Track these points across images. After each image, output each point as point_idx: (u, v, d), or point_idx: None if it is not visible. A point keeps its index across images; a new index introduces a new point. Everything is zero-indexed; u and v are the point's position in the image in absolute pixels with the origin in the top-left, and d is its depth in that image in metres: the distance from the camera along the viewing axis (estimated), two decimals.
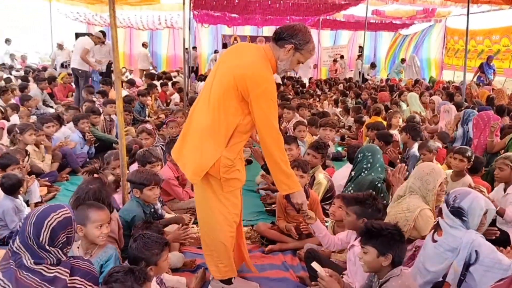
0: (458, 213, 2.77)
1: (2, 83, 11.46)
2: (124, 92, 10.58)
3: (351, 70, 21.94)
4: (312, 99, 12.76)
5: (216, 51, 20.03)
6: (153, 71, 17.21)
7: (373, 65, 20.01)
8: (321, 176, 5.03)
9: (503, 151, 6.16)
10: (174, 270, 3.69)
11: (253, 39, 19.67)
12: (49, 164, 6.01)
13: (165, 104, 12.04)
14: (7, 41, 18.50)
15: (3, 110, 7.39)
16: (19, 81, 12.01)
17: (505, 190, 4.40)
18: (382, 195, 4.23)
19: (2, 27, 16.99)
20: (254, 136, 6.61)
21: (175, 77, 16.24)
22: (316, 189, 4.88)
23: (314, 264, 2.86)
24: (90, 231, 2.91)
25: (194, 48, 20.17)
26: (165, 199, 4.97)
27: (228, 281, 3.41)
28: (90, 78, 11.47)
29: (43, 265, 2.25)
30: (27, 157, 5.59)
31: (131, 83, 13.11)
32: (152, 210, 4.01)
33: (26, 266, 2.22)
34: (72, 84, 12.25)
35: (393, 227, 2.61)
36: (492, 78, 14.69)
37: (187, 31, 11.55)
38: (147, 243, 2.79)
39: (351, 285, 3.01)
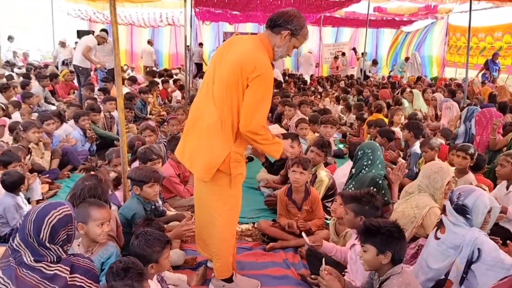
0: (462, 210, 2.76)
1: (4, 80, 11.46)
2: (126, 90, 10.57)
3: (353, 67, 21.90)
4: (313, 96, 12.74)
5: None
6: (154, 69, 17.24)
7: (374, 62, 19.96)
8: (323, 173, 5.02)
9: (505, 148, 6.14)
10: (175, 268, 3.68)
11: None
12: (48, 161, 6.00)
13: (166, 102, 12.04)
14: (10, 38, 18.49)
15: (4, 107, 7.38)
16: (21, 79, 11.99)
17: (507, 187, 4.38)
18: (383, 192, 4.22)
19: (4, 25, 16.93)
20: None
21: (176, 74, 16.24)
22: (318, 186, 4.87)
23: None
24: (91, 229, 2.91)
25: (200, 44, 20.20)
26: (166, 196, 4.96)
27: (229, 279, 3.40)
28: (91, 76, 11.52)
29: (43, 262, 2.24)
30: (28, 155, 5.59)
31: (132, 80, 13.10)
32: (153, 207, 4.01)
33: (26, 264, 2.22)
34: (74, 81, 12.27)
35: (391, 224, 2.59)
36: (497, 76, 14.62)
37: (188, 28, 11.53)
38: (148, 240, 2.79)
39: (352, 283, 3.00)
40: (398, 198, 4.15)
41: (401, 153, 6.35)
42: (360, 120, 8.60)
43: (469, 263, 2.67)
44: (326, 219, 4.66)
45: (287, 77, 17.30)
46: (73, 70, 11.53)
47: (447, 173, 3.49)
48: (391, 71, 21.96)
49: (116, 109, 4.65)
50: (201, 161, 3.08)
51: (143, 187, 3.77)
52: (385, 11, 18.73)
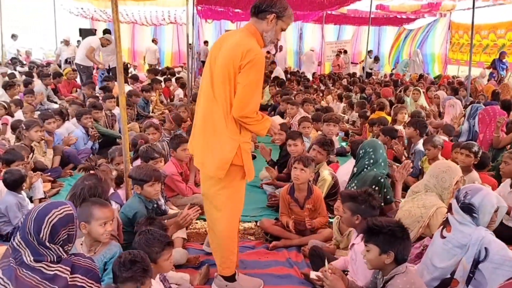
0: (468, 209, 2.73)
1: (6, 78, 11.46)
2: (128, 88, 10.56)
3: (355, 65, 21.85)
4: (315, 94, 12.70)
5: None
6: (156, 67, 17.27)
7: (376, 59, 19.85)
8: (325, 172, 4.99)
9: (509, 146, 6.10)
10: (178, 267, 3.65)
11: (279, 40, 19.53)
12: (50, 159, 5.98)
13: (168, 100, 12.02)
14: (13, 36, 18.49)
15: (6, 106, 7.37)
16: (23, 77, 11.99)
17: (511, 186, 4.35)
18: (385, 190, 4.19)
19: (7, 24, 16.90)
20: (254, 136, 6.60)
21: (179, 72, 16.22)
22: (321, 185, 4.84)
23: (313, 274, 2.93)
24: (94, 229, 2.88)
25: (206, 42, 20.22)
26: (168, 194, 4.93)
27: (232, 278, 3.39)
28: (93, 74, 11.55)
29: (43, 262, 2.22)
30: (31, 153, 5.58)
31: (134, 78, 13.10)
32: (155, 206, 3.98)
33: (26, 264, 2.20)
34: (77, 79, 12.27)
35: (395, 224, 2.56)
36: (504, 75, 14.51)
37: (190, 26, 11.51)
38: (148, 239, 2.77)
39: (355, 283, 2.97)
40: (402, 197, 4.13)
41: (404, 151, 6.32)
42: (363, 118, 8.58)
43: (476, 262, 2.64)
44: (330, 217, 4.64)
45: (289, 75, 17.25)
46: (76, 68, 11.57)
47: (455, 172, 3.46)
48: (393, 68, 21.92)
49: (118, 106, 4.63)
50: (213, 159, 3.11)
51: (143, 186, 3.75)
52: (387, 8, 18.67)
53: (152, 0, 16.22)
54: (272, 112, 10.40)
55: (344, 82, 14.96)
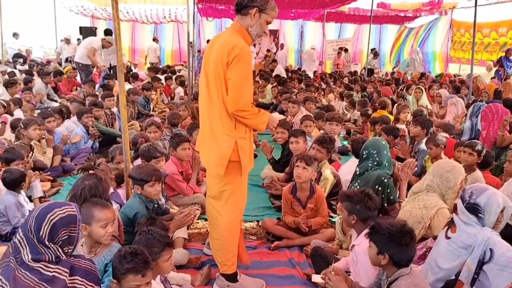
0: (473, 209, 2.69)
1: (6, 77, 11.43)
2: (128, 86, 10.53)
3: (356, 64, 21.80)
4: (316, 92, 12.66)
5: None
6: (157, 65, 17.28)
7: (375, 54, 19.61)
8: (327, 171, 4.96)
9: None
10: (179, 267, 3.62)
11: (266, 34, 19.52)
12: (50, 158, 5.93)
13: (169, 98, 11.99)
14: (15, 35, 18.47)
15: (5, 104, 7.34)
16: (23, 75, 11.96)
17: None
18: (389, 190, 4.14)
19: (7, 24, 16.87)
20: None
21: (179, 71, 16.19)
22: (323, 184, 4.81)
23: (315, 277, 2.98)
24: (95, 230, 2.83)
25: (209, 41, 20.17)
26: (169, 194, 4.90)
27: (234, 278, 3.37)
28: (94, 73, 11.56)
29: (42, 262, 2.19)
30: (31, 152, 5.54)
31: (134, 77, 13.07)
32: (156, 205, 3.94)
33: (25, 264, 2.16)
34: (77, 78, 12.25)
35: (398, 228, 2.49)
36: (511, 72, 14.36)
37: (191, 24, 11.47)
38: (148, 239, 2.75)
39: (359, 284, 2.94)
40: (407, 197, 4.08)
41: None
42: (365, 116, 8.53)
43: (481, 263, 2.60)
44: (331, 217, 4.60)
45: (290, 74, 17.21)
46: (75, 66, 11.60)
47: (459, 172, 3.41)
48: (394, 67, 21.88)
49: (117, 105, 4.59)
50: (213, 157, 3.23)
51: (144, 186, 3.71)
52: (389, 7, 18.62)
53: None
54: (274, 111, 10.36)
55: (345, 80, 14.91)
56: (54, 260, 2.22)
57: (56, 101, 10.48)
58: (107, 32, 12.06)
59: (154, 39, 19.83)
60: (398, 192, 4.42)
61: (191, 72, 11.09)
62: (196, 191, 5.00)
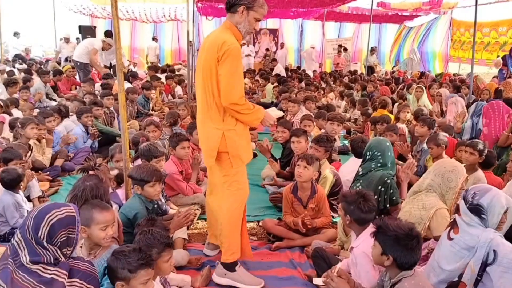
0: (476, 210, 2.66)
1: (5, 76, 11.39)
2: (127, 85, 10.50)
3: (355, 63, 21.77)
4: (316, 92, 12.62)
5: None
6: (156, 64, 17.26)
7: (372, 50, 19.36)
8: (326, 170, 4.92)
9: None
10: (179, 268, 3.59)
11: (256, 31, 19.52)
12: (49, 158, 5.90)
13: (170, 97, 11.95)
14: (16, 34, 18.42)
15: (2, 104, 7.29)
16: (22, 74, 11.92)
17: None
18: (391, 191, 4.11)
19: (6, 22, 16.87)
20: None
21: (178, 70, 16.15)
22: (322, 183, 4.77)
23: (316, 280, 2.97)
24: (94, 233, 2.78)
25: None
26: (169, 194, 4.86)
27: (232, 268, 3.47)
28: (92, 72, 11.61)
29: (40, 264, 2.15)
30: (29, 152, 5.50)
31: (133, 76, 13.02)
32: (156, 206, 3.90)
33: (23, 266, 2.13)
34: (76, 77, 12.22)
35: (405, 230, 2.44)
36: None
37: (191, 23, 11.44)
38: (149, 239, 2.72)
39: (361, 285, 2.91)
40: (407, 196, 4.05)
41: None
42: (365, 115, 8.51)
43: (484, 265, 2.57)
44: (332, 217, 4.57)
45: (289, 73, 17.19)
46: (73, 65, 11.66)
47: (461, 172, 3.38)
48: (394, 66, 21.86)
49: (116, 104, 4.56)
50: (204, 148, 3.49)
51: (144, 187, 3.68)
52: (389, 6, 18.60)
53: None
54: None
55: (345, 79, 14.87)
56: (52, 262, 2.19)
57: (55, 100, 10.45)
58: (108, 34, 12.07)
59: (154, 38, 19.85)
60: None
61: (190, 71, 11.04)
62: (196, 191, 4.97)
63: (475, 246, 2.62)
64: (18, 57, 16.62)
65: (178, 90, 12.32)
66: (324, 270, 3.23)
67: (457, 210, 2.81)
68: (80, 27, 16.89)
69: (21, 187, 4.31)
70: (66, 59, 14.90)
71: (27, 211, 4.09)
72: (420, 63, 19.95)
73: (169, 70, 14.94)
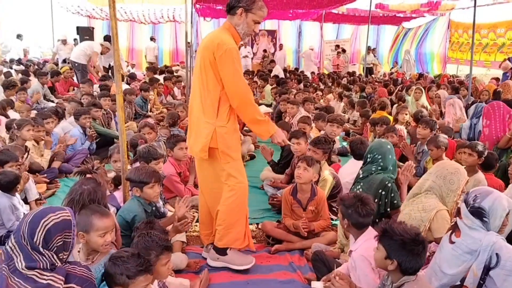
0: (478, 213, 2.62)
1: (2, 77, 11.34)
2: (125, 86, 10.47)
3: (354, 64, 21.77)
4: (315, 93, 12.60)
5: None
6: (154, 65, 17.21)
7: (369, 50, 19.25)
8: (326, 172, 4.88)
9: None
10: (177, 272, 3.55)
11: (255, 33, 19.50)
12: (47, 160, 5.87)
13: (168, 98, 11.92)
14: (19, 36, 18.34)
15: None
16: (20, 75, 11.87)
17: None
18: (392, 195, 4.06)
19: (5, 22, 16.79)
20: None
21: (177, 71, 16.12)
22: (322, 185, 4.73)
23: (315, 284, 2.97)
24: (93, 239, 2.73)
25: None
26: (167, 196, 4.83)
27: (224, 252, 3.64)
28: (90, 73, 11.64)
29: (36, 270, 2.11)
30: (26, 154, 5.46)
31: (132, 77, 12.99)
32: (154, 208, 3.86)
33: (18, 272, 2.09)
34: (74, 78, 12.18)
35: (412, 235, 2.40)
36: None
37: (189, 24, 11.41)
38: (147, 241, 2.69)
39: None
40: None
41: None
42: (365, 117, 8.48)
43: (487, 269, 2.54)
44: (332, 219, 4.53)
45: (288, 74, 17.16)
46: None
47: (463, 175, 3.34)
48: (392, 67, 21.87)
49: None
50: (197, 143, 3.53)
51: (143, 188, 3.63)
52: (387, 8, 18.61)
53: None
54: (274, 112, 10.28)
55: (344, 81, 14.86)
56: (49, 268, 2.14)
57: (52, 101, 10.40)
58: (107, 38, 12.08)
59: (152, 38, 19.82)
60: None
61: (189, 72, 11.01)
62: (194, 193, 4.93)
63: (478, 249, 2.59)
64: (11, 60, 16.57)
65: (176, 90, 12.29)
66: (323, 274, 3.20)
67: (458, 213, 2.78)
68: (78, 28, 16.84)
69: (18, 189, 4.26)
70: (64, 61, 14.85)
71: (24, 213, 4.05)
72: (414, 65, 19.96)
73: (167, 71, 14.90)
